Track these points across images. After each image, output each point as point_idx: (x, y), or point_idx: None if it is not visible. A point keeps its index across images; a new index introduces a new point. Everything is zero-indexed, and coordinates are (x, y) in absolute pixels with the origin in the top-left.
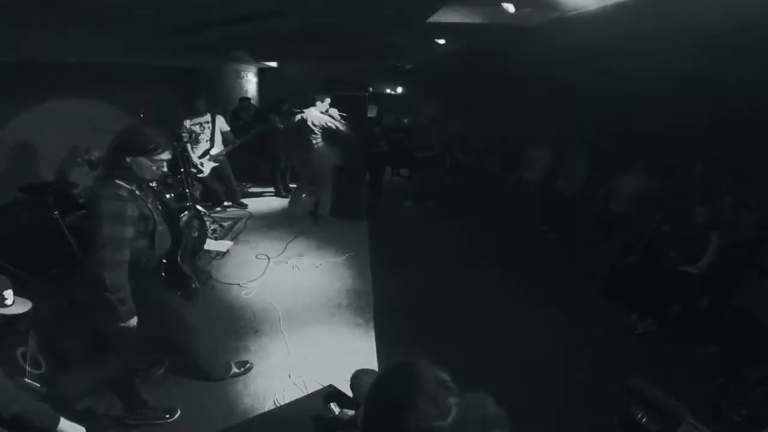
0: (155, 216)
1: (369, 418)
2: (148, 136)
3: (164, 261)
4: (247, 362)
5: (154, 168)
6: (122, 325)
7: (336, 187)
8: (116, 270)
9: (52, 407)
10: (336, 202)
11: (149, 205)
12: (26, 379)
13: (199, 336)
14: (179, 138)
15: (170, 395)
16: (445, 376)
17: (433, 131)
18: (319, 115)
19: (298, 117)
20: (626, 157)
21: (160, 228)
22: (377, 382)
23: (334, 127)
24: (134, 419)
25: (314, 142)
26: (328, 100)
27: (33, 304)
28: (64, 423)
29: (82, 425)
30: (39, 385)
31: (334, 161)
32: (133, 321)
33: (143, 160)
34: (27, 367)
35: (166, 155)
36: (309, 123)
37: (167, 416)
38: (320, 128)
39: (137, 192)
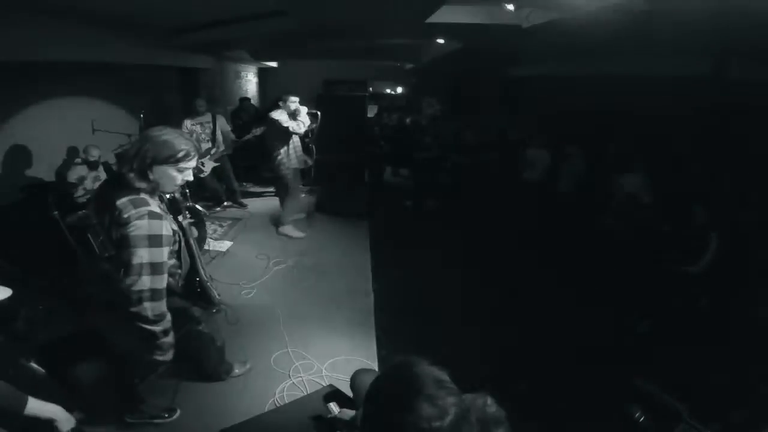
0: (179, 231)
1: (368, 418)
2: (176, 141)
3: (197, 279)
4: (246, 362)
5: (180, 177)
6: (160, 359)
7: (296, 191)
8: (158, 299)
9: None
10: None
11: (172, 219)
12: (32, 364)
13: (210, 342)
14: None
15: (170, 394)
16: (445, 377)
17: (434, 131)
18: (273, 114)
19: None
20: (626, 156)
21: (182, 243)
22: (376, 383)
23: (288, 128)
24: (134, 418)
25: (270, 143)
26: (293, 99)
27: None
28: (33, 402)
29: (83, 422)
30: (44, 370)
31: (291, 163)
32: (171, 353)
33: (169, 169)
34: (28, 365)
35: (193, 162)
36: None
37: (166, 415)
38: (276, 128)
39: (161, 205)
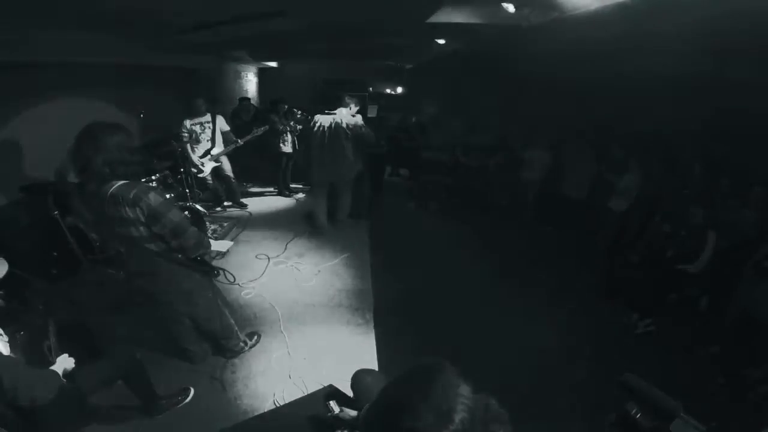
0: None
1: (371, 415)
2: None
3: None
4: (255, 334)
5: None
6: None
7: (355, 191)
8: (198, 231)
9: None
10: (354, 206)
11: None
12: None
13: (222, 313)
14: (179, 138)
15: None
16: (464, 389)
17: (436, 131)
18: (351, 117)
19: (330, 118)
20: (626, 157)
21: None
22: (390, 382)
23: (365, 132)
24: (158, 413)
25: (345, 145)
26: (356, 107)
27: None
28: (58, 369)
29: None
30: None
31: (358, 166)
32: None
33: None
34: (51, 359)
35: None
36: (343, 125)
37: (180, 398)
38: (353, 132)
39: None
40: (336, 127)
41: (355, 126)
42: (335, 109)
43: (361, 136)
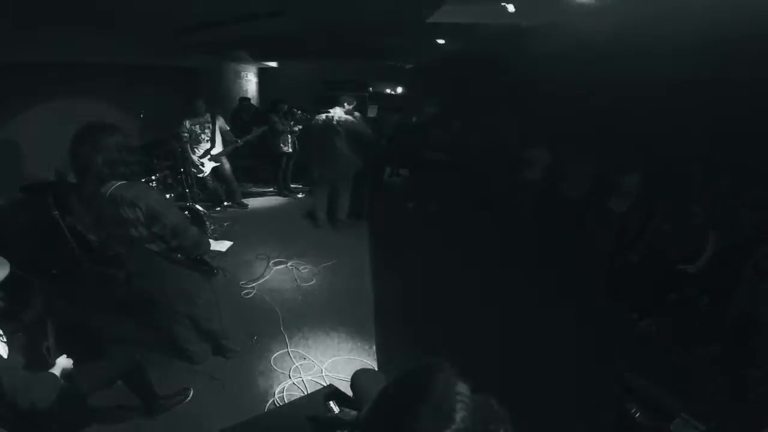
0: None
1: (370, 416)
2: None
3: None
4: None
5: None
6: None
7: (354, 191)
8: (198, 231)
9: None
10: (353, 206)
11: None
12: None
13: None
14: (179, 138)
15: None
16: (462, 387)
17: (438, 131)
18: (345, 115)
19: (323, 116)
20: (626, 157)
21: None
22: (388, 383)
23: (360, 129)
24: (158, 412)
25: (338, 142)
26: (349, 105)
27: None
28: (57, 369)
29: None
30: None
31: (356, 164)
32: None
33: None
34: (50, 360)
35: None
36: (334, 122)
37: (181, 398)
38: (345, 129)
39: None
40: (329, 125)
41: (346, 122)
42: (332, 108)
43: (356, 133)
